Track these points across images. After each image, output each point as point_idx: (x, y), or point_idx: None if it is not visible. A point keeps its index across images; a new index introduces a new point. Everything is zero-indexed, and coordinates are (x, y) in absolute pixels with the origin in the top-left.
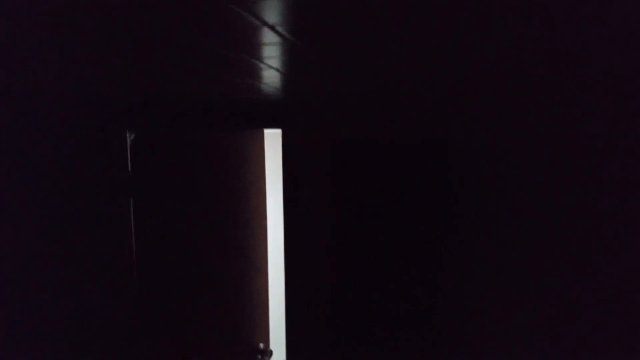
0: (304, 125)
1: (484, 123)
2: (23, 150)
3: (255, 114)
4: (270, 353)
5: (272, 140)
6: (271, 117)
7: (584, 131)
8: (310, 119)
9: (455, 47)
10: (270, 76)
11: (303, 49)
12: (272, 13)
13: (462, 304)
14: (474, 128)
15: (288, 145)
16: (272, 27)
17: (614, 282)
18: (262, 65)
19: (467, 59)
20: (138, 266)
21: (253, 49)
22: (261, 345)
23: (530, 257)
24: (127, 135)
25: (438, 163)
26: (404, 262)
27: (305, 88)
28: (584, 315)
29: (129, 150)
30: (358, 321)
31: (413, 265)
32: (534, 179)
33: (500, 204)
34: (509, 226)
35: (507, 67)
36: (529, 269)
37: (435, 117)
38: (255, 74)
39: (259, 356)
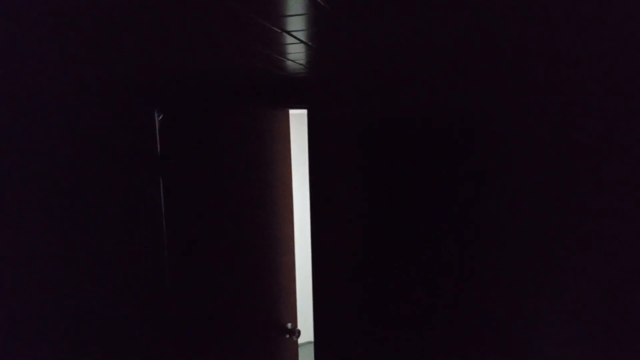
0: (331, 105)
1: (515, 100)
2: (50, 131)
3: (280, 93)
4: (298, 333)
5: (296, 121)
6: (297, 96)
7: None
8: (336, 98)
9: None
10: (297, 51)
11: (334, 17)
12: None
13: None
14: (506, 106)
15: (314, 126)
16: None
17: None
18: (289, 38)
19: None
20: (168, 246)
21: (279, 19)
22: (289, 325)
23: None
24: (155, 114)
25: (469, 141)
26: (434, 243)
27: (332, 65)
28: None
29: (157, 130)
30: (386, 300)
31: (445, 246)
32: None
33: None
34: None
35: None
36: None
37: (467, 98)
38: (281, 48)
39: (287, 335)
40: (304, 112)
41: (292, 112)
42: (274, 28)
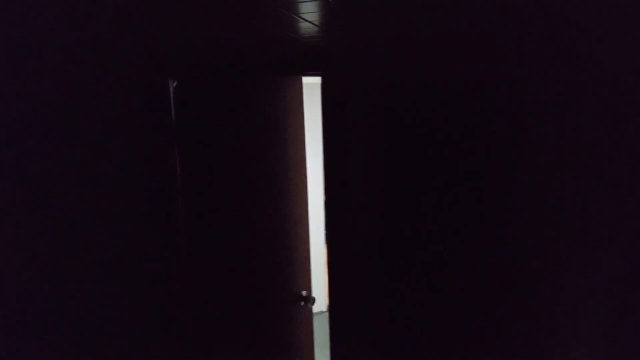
0: (346, 71)
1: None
2: (68, 102)
3: (294, 60)
4: (313, 300)
5: (309, 92)
6: (310, 63)
7: None
8: (353, 64)
9: None
10: (313, 10)
11: None
12: None
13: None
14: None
15: (328, 93)
16: None
17: None
18: None
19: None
20: (185, 214)
21: None
22: (304, 293)
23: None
24: (170, 82)
25: (489, 107)
26: (452, 212)
27: (350, 26)
28: None
29: (172, 98)
30: (400, 271)
31: (468, 228)
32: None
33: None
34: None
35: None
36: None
37: (491, 63)
38: (296, 7)
39: (302, 303)
40: (317, 82)
41: (306, 82)
42: None
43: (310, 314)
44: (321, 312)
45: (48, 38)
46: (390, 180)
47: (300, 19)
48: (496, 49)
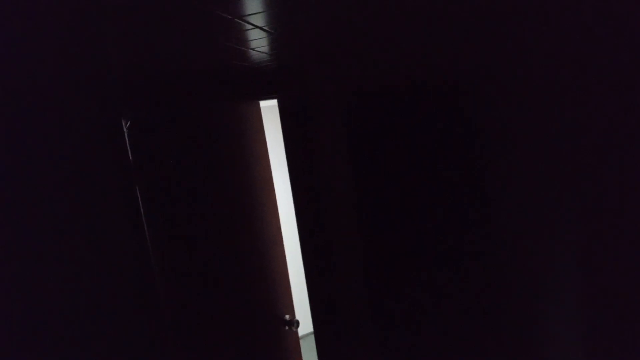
0: (300, 92)
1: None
2: (24, 148)
3: (248, 86)
4: (297, 323)
5: (268, 113)
6: (265, 87)
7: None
8: (306, 84)
9: None
10: (256, 37)
11: None
12: None
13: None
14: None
15: (286, 115)
16: None
17: None
18: (244, 25)
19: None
20: (154, 252)
21: (229, 5)
22: (287, 317)
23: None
24: (123, 122)
25: (441, 112)
26: (423, 220)
27: (297, 50)
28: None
29: (127, 138)
30: (382, 286)
31: (441, 234)
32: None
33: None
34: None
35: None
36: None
37: (439, 68)
38: (241, 35)
39: (287, 327)
40: (274, 104)
41: (262, 105)
42: (226, 15)
43: (296, 337)
44: (312, 333)
45: None
46: (362, 190)
47: (248, 49)
48: (449, 55)
